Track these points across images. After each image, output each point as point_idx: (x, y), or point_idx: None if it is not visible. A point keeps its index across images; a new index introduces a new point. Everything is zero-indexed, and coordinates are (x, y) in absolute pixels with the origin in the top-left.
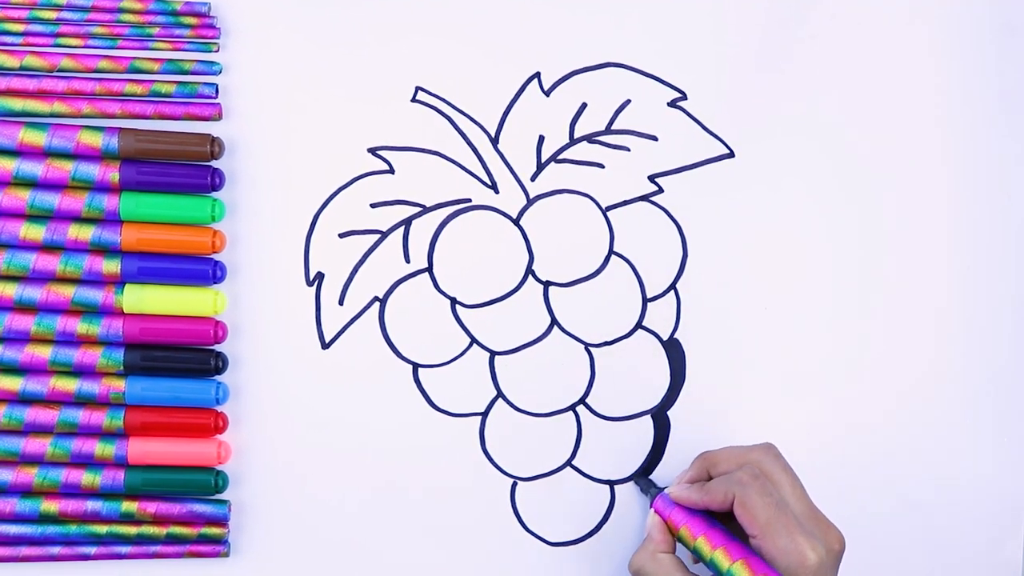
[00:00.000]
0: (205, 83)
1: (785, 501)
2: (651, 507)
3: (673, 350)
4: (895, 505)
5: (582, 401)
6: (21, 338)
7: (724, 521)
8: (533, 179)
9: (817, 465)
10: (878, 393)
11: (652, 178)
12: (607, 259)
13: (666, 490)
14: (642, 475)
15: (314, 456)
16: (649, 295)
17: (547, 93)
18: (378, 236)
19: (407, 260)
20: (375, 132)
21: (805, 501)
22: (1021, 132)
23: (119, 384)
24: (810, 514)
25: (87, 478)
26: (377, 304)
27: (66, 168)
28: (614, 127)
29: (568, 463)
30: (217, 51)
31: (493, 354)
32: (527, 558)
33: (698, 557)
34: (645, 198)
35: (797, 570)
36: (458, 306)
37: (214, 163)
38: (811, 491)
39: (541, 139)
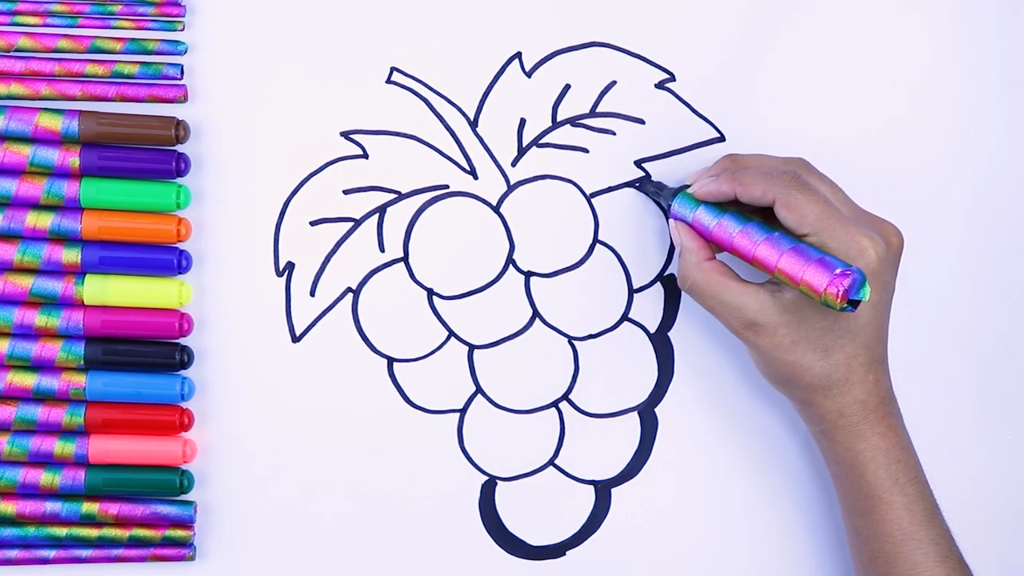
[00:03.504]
0: (170, 63)
1: (830, 201)
2: (669, 215)
3: (661, 343)
4: None
5: (565, 397)
6: None
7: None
8: (514, 164)
9: (815, 465)
10: None
11: (639, 163)
12: (591, 248)
13: (689, 188)
14: (647, 180)
15: (284, 455)
16: (635, 286)
17: (528, 74)
18: (351, 224)
19: (382, 249)
20: (348, 115)
21: (850, 204)
22: (1022, 112)
23: (79, 379)
24: (859, 213)
25: (46, 478)
26: (350, 295)
27: (24, 153)
28: (599, 110)
29: (550, 462)
30: (182, 30)
31: (472, 348)
32: (507, 561)
33: (739, 256)
34: (631, 184)
35: (856, 261)
36: (435, 297)
37: (179, 147)
38: (811, 492)
39: (522, 122)
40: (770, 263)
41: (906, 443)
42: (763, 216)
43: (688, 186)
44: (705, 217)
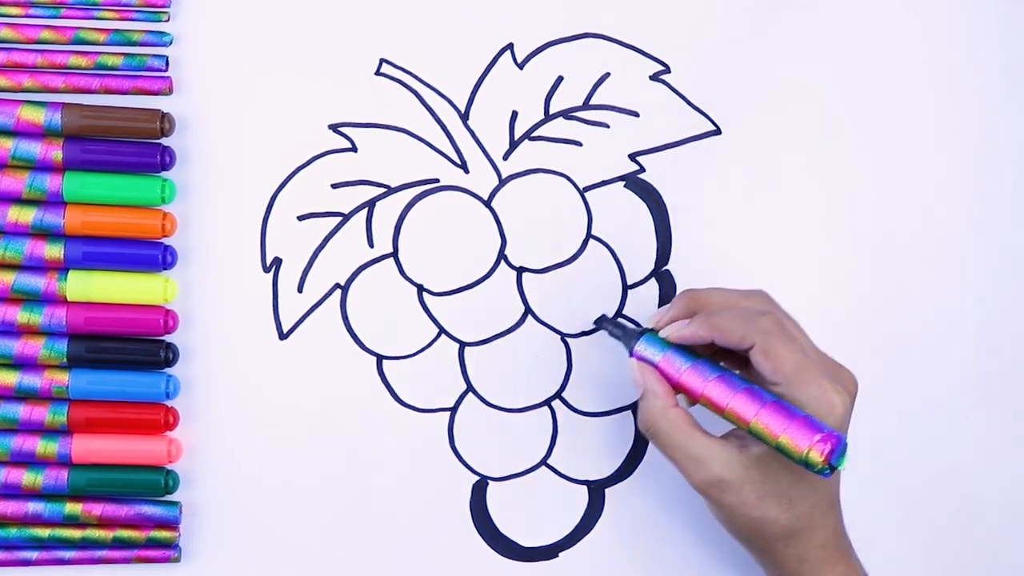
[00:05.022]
0: (154, 55)
1: (803, 348)
2: (631, 355)
3: None
4: (900, 506)
5: (558, 395)
6: None
7: (724, 361)
8: (505, 158)
9: None
10: (881, 389)
11: (633, 156)
12: (584, 243)
13: (660, 332)
14: (607, 318)
15: (271, 455)
16: (629, 282)
17: (520, 66)
18: (340, 219)
19: (371, 244)
20: (336, 108)
21: (814, 347)
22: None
23: (62, 377)
24: (822, 359)
25: (28, 478)
26: (339, 291)
27: (5, 146)
28: (592, 102)
29: (543, 462)
30: (167, 20)
31: (463, 345)
32: (499, 563)
33: (707, 407)
34: (625, 178)
35: (826, 418)
36: (425, 294)
37: (164, 140)
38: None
39: (514, 115)
40: (746, 415)
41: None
42: (714, 357)
43: (651, 329)
44: (676, 360)
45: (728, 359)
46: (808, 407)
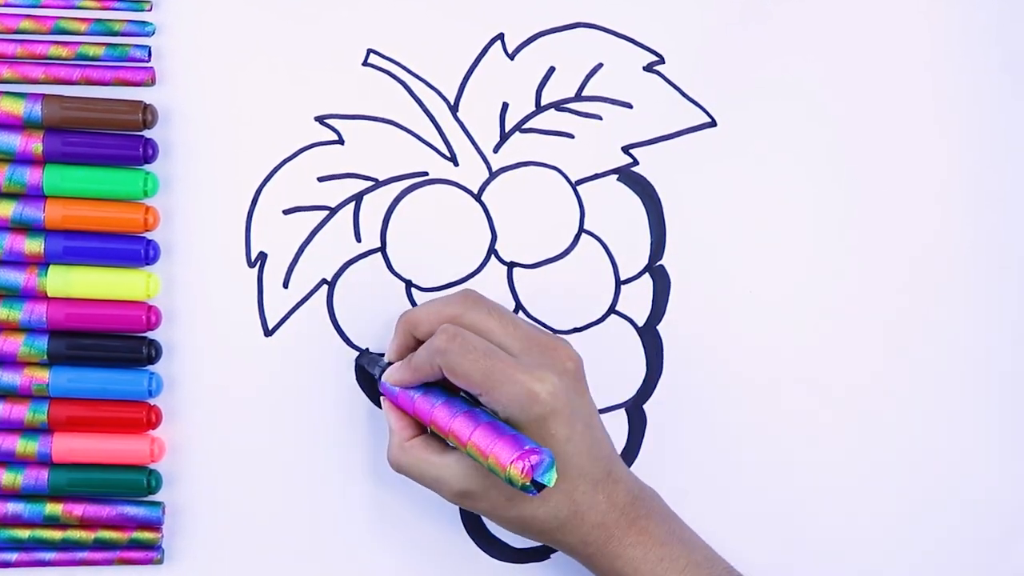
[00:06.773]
0: (137, 45)
1: (496, 346)
2: (380, 390)
3: (649, 338)
4: (896, 507)
5: None
6: None
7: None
8: (496, 150)
9: (812, 465)
10: (877, 388)
11: (626, 149)
12: (577, 238)
13: (383, 376)
14: (366, 353)
15: (256, 454)
16: (623, 277)
17: (511, 56)
18: (326, 213)
19: (358, 239)
20: (323, 99)
21: (520, 333)
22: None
23: (43, 375)
24: (529, 346)
25: (7, 478)
26: (325, 287)
27: None
28: (584, 93)
29: None
30: (150, 10)
31: None
32: (491, 565)
33: (438, 431)
34: (618, 171)
35: (533, 408)
36: (414, 289)
37: (147, 133)
38: (808, 493)
39: (505, 106)
40: (463, 438)
41: (664, 535)
42: None
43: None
44: (404, 397)
45: None
46: (511, 406)
